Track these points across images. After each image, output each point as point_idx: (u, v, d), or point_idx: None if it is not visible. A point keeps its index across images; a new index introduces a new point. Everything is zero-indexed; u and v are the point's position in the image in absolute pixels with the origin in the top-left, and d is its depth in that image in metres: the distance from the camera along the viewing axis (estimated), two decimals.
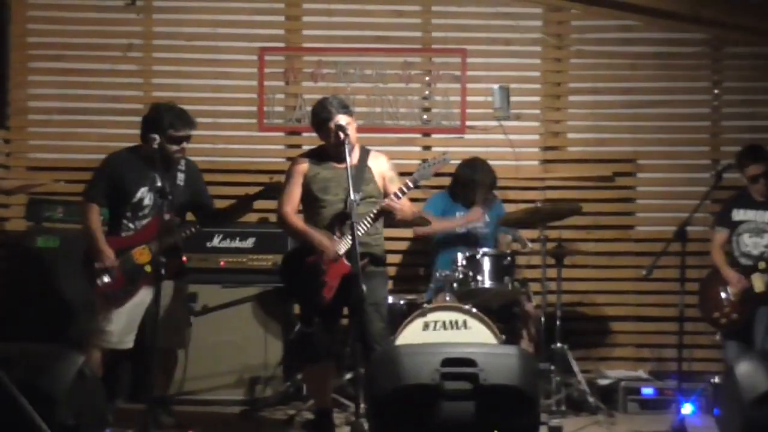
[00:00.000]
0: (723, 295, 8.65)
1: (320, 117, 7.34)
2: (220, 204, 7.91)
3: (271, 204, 7.95)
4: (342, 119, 7.23)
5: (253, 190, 8.34)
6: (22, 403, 6.04)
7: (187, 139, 7.49)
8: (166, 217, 7.26)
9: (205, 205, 7.74)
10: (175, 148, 7.44)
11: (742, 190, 8.82)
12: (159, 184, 7.34)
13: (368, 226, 7.18)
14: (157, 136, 7.23)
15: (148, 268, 7.35)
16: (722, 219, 8.87)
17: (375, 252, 7.36)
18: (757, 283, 8.47)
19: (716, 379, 8.19)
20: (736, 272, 8.59)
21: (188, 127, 7.50)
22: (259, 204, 8.90)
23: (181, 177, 7.53)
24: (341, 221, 7.23)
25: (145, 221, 7.47)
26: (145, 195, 7.47)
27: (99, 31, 9.89)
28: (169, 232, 7.26)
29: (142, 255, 7.38)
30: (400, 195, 7.26)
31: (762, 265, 8.49)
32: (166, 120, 7.42)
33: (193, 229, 7.52)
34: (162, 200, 7.18)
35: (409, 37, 10.07)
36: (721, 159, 9.37)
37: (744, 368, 6.61)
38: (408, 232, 9.26)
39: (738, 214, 8.76)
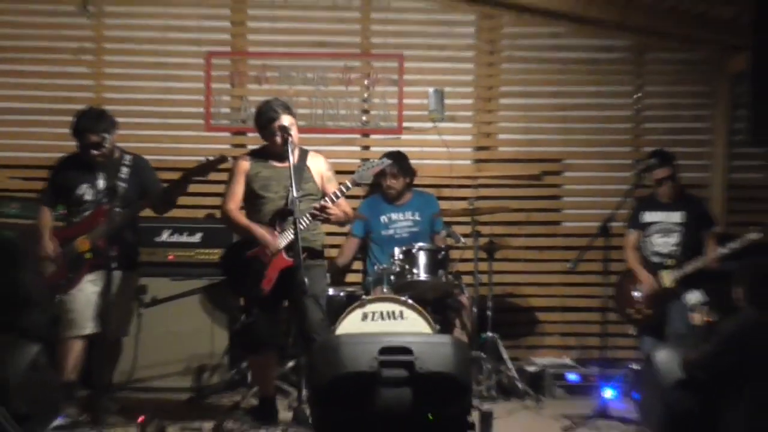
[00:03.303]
0: (635, 293, 8.75)
1: (266, 117, 7.37)
2: None
3: (217, 201, 7.95)
4: (285, 120, 7.28)
5: (200, 188, 8.41)
6: None
7: (93, 146, 7.53)
8: (107, 208, 7.46)
9: (155, 194, 7.73)
10: (94, 152, 7.55)
11: (650, 194, 8.93)
12: (100, 180, 7.56)
13: (307, 223, 7.22)
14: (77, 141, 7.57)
15: (88, 256, 7.46)
16: (633, 221, 8.98)
17: (314, 246, 7.40)
18: (665, 279, 8.58)
19: (635, 366, 8.27)
20: (648, 273, 8.70)
21: (87, 135, 7.55)
22: (206, 201, 9.01)
23: (125, 171, 7.57)
24: (282, 217, 7.27)
25: (86, 214, 7.58)
26: (85, 191, 7.61)
27: (52, 35, 9.82)
28: (110, 222, 7.40)
29: (83, 244, 7.48)
30: (338, 195, 7.31)
31: (669, 262, 8.61)
32: (78, 125, 7.61)
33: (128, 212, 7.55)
34: (106, 193, 7.49)
35: (349, 43, 10.07)
36: (642, 159, 9.42)
37: (662, 356, 6.74)
38: (346, 228, 9.28)
39: (647, 216, 8.87)
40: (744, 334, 6.00)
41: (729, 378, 5.99)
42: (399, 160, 9.15)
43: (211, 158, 7.56)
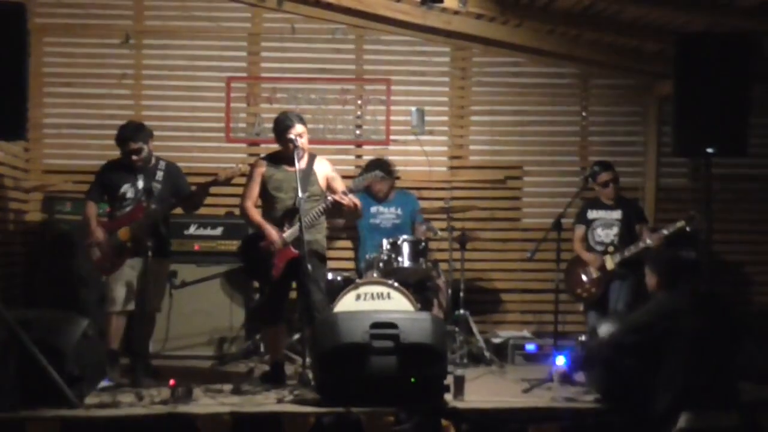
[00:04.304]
0: (584, 277, 8.77)
1: (283, 125, 7.35)
2: None
3: (235, 201, 8.04)
4: (298, 128, 7.28)
5: (221, 190, 8.41)
6: (38, 357, 6.03)
7: (134, 152, 7.56)
8: (145, 205, 7.52)
9: (184, 195, 7.76)
10: (134, 157, 7.58)
11: (595, 196, 8.99)
12: (140, 181, 7.59)
13: (316, 217, 7.21)
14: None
15: (129, 244, 7.48)
16: (580, 218, 9.00)
17: (317, 247, 7.36)
18: (608, 263, 8.62)
19: (582, 338, 8.27)
20: (595, 255, 8.75)
21: (128, 143, 7.59)
22: (225, 200, 9.03)
23: (160, 175, 7.65)
24: (291, 215, 7.24)
25: (127, 209, 7.59)
26: (127, 190, 7.61)
27: (99, 63, 9.79)
28: (147, 216, 7.47)
29: (125, 234, 7.50)
30: (347, 193, 7.29)
31: (611, 248, 8.67)
32: (121, 135, 7.67)
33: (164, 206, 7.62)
34: (144, 192, 7.55)
35: (345, 69, 10.05)
36: (588, 167, 9.45)
37: (604, 329, 6.72)
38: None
39: (591, 214, 8.91)
40: (655, 318, 5.93)
41: (643, 354, 5.93)
42: (384, 166, 9.06)
43: (232, 166, 7.63)
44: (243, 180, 7.59)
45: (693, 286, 6.14)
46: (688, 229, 8.22)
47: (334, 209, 7.37)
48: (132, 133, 7.61)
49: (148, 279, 7.32)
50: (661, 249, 8.30)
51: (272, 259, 7.23)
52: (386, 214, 9.28)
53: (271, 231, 7.25)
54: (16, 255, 9.21)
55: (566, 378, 7.21)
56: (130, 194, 7.60)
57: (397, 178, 9.48)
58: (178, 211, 7.84)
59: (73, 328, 6.50)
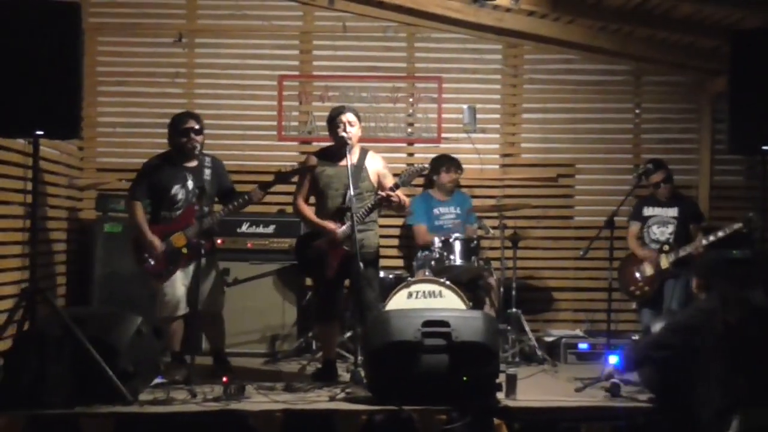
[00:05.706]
0: (637, 274, 8.78)
1: (334, 112, 7.38)
2: None
3: (286, 199, 8.05)
4: (348, 116, 7.30)
5: (272, 188, 8.37)
6: (92, 353, 6.07)
7: (193, 131, 7.41)
8: (196, 207, 7.32)
9: (229, 193, 7.64)
10: (192, 135, 7.41)
11: (650, 193, 8.99)
12: (189, 181, 7.43)
13: (365, 214, 7.18)
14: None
15: (184, 251, 7.36)
16: (635, 214, 9.02)
17: (368, 248, 7.29)
18: (663, 261, 8.60)
19: (636, 337, 8.21)
20: (651, 250, 8.72)
21: (189, 120, 7.47)
22: (278, 198, 9.01)
23: (207, 173, 7.45)
24: (341, 213, 7.23)
25: (179, 212, 7.44)
26: (178, 191, 7.43)
27: (153, 62, 9.86)
28: (200, 220, 7.23)
29: (179, 240, 7.36)
30: (394, 189, 7.22)
31: (666, 247, 8.64)
32: (175, 120, 7.53)
33: (218, 215, 7.45)
34: (195, 193, 7.34)
35: (397, 67, 10.05)
36: (641, 164, 9.38)
37: (658, 328, 6.65)
38: (398, 221, 9.41)
39: (647, 211, 8.93)
40: (691, 319, 5.84)
41: (684, 355, 5.84)
42: (450, 159, 9.24)
43: (295, 165, 7.53)
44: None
45: (728, 285, 6.03)
46: (745, 230, 8.14)
47: (383, 206, 7.34)
48: (191, 114, 7.58)
49: (205, 280, 7.31)
50: (709, 252, 8.25)
51: (327, 258, 7.24)
52: (448, 215, 9.24)
53: (327, 223, 7.25)
54: (70, 253, 9.28)
55: (614, 385, 6.99)
56: (180, 195, 7.43)
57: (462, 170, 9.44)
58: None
59: (126, 326, 6.54)
